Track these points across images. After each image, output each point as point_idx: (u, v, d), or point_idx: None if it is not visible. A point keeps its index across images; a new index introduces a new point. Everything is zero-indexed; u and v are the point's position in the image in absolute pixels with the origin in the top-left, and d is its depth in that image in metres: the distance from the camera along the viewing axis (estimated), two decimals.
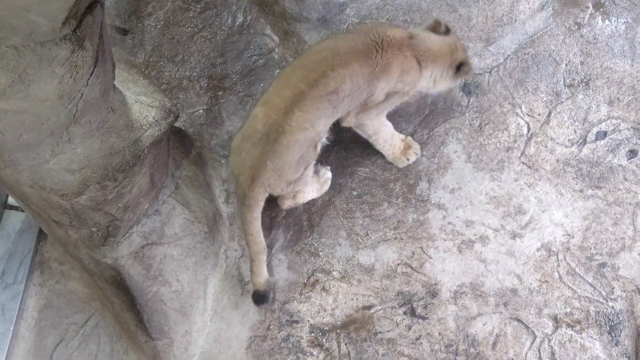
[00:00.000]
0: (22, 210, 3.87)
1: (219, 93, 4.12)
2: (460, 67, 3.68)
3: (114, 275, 3.45)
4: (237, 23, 4.25)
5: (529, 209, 3.91)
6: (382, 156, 3.99)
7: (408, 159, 3.99)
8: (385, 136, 3.90)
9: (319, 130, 3.46)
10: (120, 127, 2.87)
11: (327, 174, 3.95)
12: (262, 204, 3.54)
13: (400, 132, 4.03)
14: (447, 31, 3.70)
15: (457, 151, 4.03)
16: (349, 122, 3.72)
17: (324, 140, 3.62)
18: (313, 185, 3.87)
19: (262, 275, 3.71)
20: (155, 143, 3.01)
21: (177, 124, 3.80)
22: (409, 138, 4.02)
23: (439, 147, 4.04)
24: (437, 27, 3.68)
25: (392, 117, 4.03)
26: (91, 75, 2.42)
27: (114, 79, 2.73)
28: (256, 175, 3.40)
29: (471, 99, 4.13)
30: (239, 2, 4.26)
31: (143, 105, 2.97)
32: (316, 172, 3.86)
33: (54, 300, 3.91)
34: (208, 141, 4.06)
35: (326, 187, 3.95)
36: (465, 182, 3.98)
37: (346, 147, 4.04)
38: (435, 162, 4.02)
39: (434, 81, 3.72)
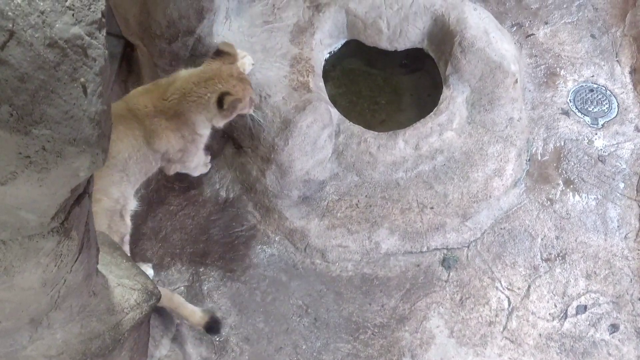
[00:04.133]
0: None
1: (201, 269, 4.13)
2: (221, 101, 3.56)
3: None
4: (220, 200, 4.35)
5: None
6: (365, 332, 3.97)
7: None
8: (195, 163, 4.10)
9: (116, 198, 3.49)
10: (101, 311, 2.84)
11: (149, 270, 3.96)
12: None
13: (382, 306, 4.04)
14: (229, 54, 3.66)
15: (439, 326, 4.01)
16: (170, 173, 3.95)
17: (132, 208, 3.66)
18: None
19: (196, 313, 3.75)
20: (136, 326, 2.97)
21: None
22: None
23: (421, 321, 4.03)
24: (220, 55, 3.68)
25: (373, 290, 4.05)
26: (75, 261, 2.43)
27: (97, 263, 2.74)
28: None
29: (451, 273, 4.17)
30: (222, 180, 4.39)
31: (125, 289, 2.97)
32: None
33: None
34: None
35: None
36: (449, 357, 3.93)
37: (329, 323, 4.01)
38: (418, 337, 3.98)
39: (209, 121, 3.69)
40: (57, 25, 1.47)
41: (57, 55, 1.49)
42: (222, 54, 3.67)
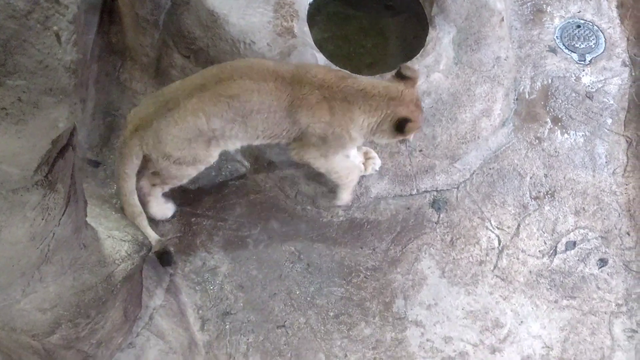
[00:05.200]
0: None
1: (192, 219, 4.14)
2: (401, 125, 3.63)
3: None
4: None
5: (506, 322, 3.91)
6: (358, 275, 4.01)
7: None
8: (343, 172, 4.00)
9: (214, 128, 3.57)
10: (93, 263, 2.86)
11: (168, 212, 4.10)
12: (136, 161, 3.62)
13: (373, 250, 4.08)
14: (410, 79, 3.70)
15: (430, 267, 4.06)
16: (293, 157, 3.88)
17: (229, 149, 3.78)
18: (158, 206, 4.01)
19: (151, 237, 3.76)
20: (128, 277, 3.00)
21: (150, 253, 3.79)
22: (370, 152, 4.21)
23: (412, 263, 4.07)
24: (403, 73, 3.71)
25: (364, 234, 4.09)
26: (63, 215, 2.44)
27: (85, 216, 2.75)
28: (140, 128, 3.54)
29: (441, 215, 4.19)
30: None
31: (115, 240, 2.98)
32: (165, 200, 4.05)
33: None
34: (182, 268, 4.03)
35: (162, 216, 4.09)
36: (441, 297, 3.98)
37: (321, 268, 4.04)
38: (410, 278, 4.03)
39: (370, 130, 3.72)
40: None
41: (27, 3, 1.46)
42: (403, 76, 3.68)
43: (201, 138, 3.59)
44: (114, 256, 2.96)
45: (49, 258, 2.59)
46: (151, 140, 3.54)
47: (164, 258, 3.87)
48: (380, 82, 3.76)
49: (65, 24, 1.54)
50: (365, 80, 3.71)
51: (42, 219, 2.27)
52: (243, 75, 3.53)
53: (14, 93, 1.52)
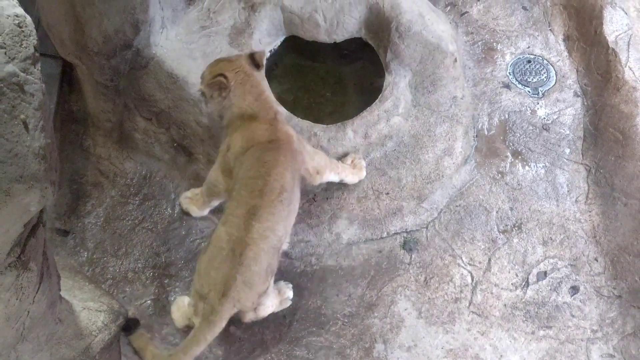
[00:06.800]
0: None
1: (165, 281, 4.12)
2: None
3: None
4: (177, 210, 4.33)
5: (486, 357, 3.93)
6: (335, 323, 4.01)
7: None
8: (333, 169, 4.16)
9: (280, 235, 3.57)
10: (70, 337, 2.83)
11: (288, 292, 4.03)
12: (224, 323, 3.52)
13: (349, 296, 4.09)
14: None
15: (407, 308, 4.08)
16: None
17: (285, 245, 3.76)
18: (274, 300, 3.90)
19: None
20: (106, 347, 2.97)
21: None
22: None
23: (389, 306, 4.09)
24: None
25: (339, 281, 4.10)
26: (37, 292, 2.42)
27: (59, 290, 2.73)
28: (227, 290, 3.42)
29: (413, 255, 4.24)
30: (176, 190, 4.38)
31: (91, 311, 2.96)
32: (278, 288, 3.96)
33: None
34: (159, 331, 4.00)
35: (285, 305, 4.02)
36: (420, 338, 4.00)
37: (298, 319, 4.04)
38: (388, 322, 4.05)
39: None
40: None
41: None
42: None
43: (275, 254, 3.59)
44: (90, 328, 2.93)
45: (25, 336, 2.56)
46: (243, 294, 3.47)
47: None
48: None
49: (32, 112, 1.56)
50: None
51: (17, 299, 2.26)
52: (269, 170, 3.53)
53: None
